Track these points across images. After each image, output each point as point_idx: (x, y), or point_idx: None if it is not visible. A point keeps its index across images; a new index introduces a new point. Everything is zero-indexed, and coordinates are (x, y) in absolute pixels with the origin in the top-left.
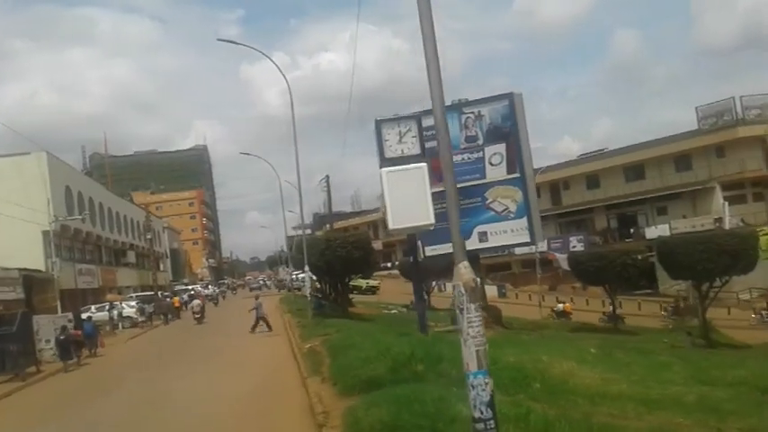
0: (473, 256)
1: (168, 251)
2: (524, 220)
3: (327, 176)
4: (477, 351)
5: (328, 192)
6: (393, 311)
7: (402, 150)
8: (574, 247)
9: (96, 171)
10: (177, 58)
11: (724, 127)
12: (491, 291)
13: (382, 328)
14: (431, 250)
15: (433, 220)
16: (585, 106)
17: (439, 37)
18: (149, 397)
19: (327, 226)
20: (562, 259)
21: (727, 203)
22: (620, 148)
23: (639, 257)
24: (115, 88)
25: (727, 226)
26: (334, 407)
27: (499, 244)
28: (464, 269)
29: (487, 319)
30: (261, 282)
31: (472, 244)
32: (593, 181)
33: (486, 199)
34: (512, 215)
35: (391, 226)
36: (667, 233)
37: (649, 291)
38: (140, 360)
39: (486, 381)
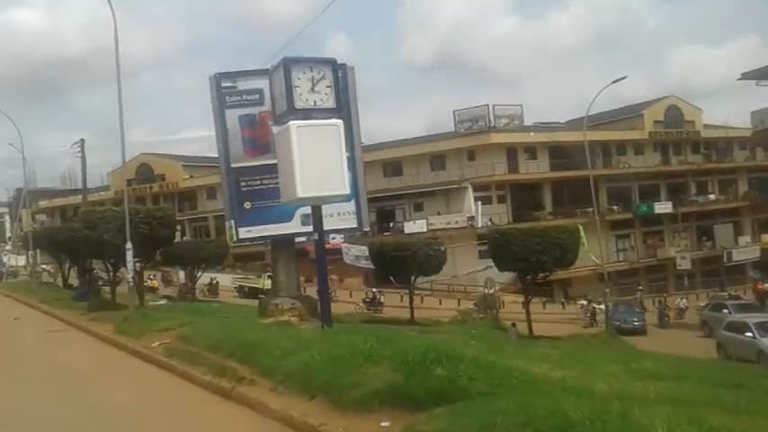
0: (287, 241)
1: None
2: (353, 203)
3: (83, 140)
4: None
5: (83, 158)
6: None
7: (314, 101)
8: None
9: None
10: None
11: (478, 132)
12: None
13: (252, 322)
14: (245, 232)
15: (348, 190)
16: None
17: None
18: None
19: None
20: (349, 249)
21: (480, 203)
22: (380, 143)
23: (443, 248)
24: None
25: (479, 224)
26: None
27: (324, 228)
28: None
29: (302, 311)
30: None
31: (293, 227)
32: None
33: None
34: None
35: (300, 194)
36: (424, 228)
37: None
38: None
39: None
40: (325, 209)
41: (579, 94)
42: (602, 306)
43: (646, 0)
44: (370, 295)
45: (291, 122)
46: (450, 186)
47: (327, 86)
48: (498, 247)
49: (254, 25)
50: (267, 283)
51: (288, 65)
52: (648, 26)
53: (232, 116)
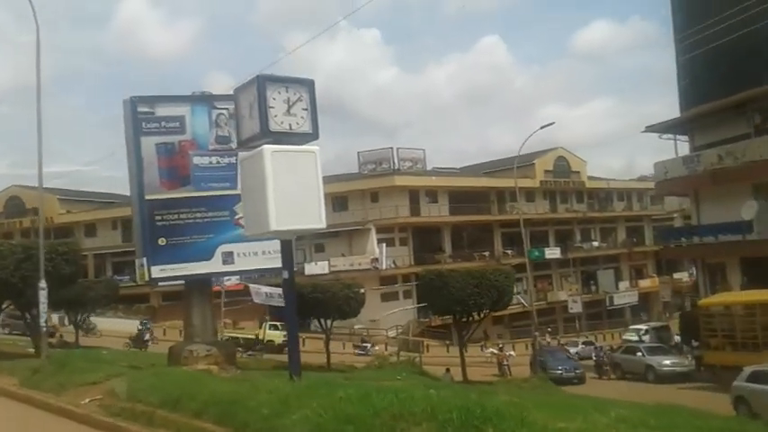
0: (203, 281)
1: None
2: (278, 242)
3: None
4: None
5: None
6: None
7: (290, 125)
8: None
9: None
10: None
11: (382, 174)
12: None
13: (190, 373)
14: (159, 271)
15: (324, 223)
16: None
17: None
18: None
19: None
20: (259, 288)
21: (384, 245)
22: None
23: (362, 290)
24: None
25: (383, 266)
26: None
27: (248, 268)
28: None
29: (218, 357)
30: None
31: (214, 266)
32: None
33: (236, 213)
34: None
35: (273, 227)
36: (326, 270)
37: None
38: None
39: None
40: (250, 246)
41: (455, 143)
42: (513, 353)
43: (515, 60)
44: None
45: (265, 147)
46: (354, 228)
47: (304, 109)
48: (434, 290)
49: (127, 58)
50: (275, 334)
51: (263, 83)
52: (516, 84)
53: (148, 144)
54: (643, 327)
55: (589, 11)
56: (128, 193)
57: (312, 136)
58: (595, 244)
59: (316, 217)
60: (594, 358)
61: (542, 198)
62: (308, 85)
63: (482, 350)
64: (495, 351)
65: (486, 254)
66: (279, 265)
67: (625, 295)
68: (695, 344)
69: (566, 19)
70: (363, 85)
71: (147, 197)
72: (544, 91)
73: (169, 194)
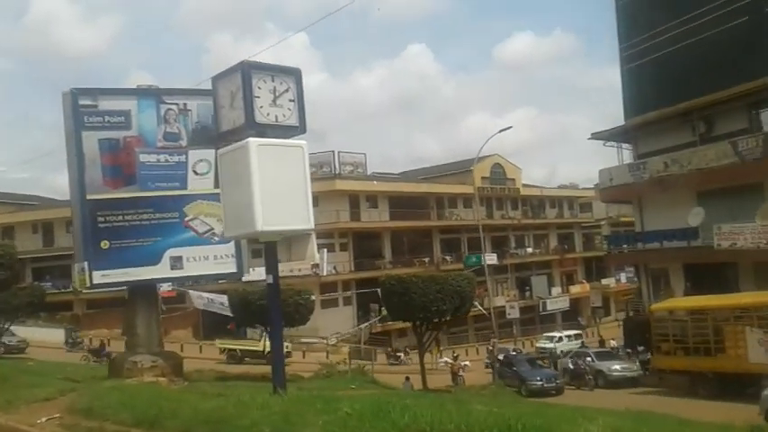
0: (148, 287)
1: None
2: (231, 245)
3: None
4: None
5: None
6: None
7: (276, 116)
8: None
9: None
10: None
11: (323, 178)
12: (56, 335)
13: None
14: (101, 276)
15: (312, 224)
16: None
17: None
18: None
19: None
20: (200, 295)
21: (325, 250)
22: None
23: (312, 297)
24: None
25: (324, 272)
26: None
27: (198, 273)
28: None
29: (165, 368)
30: None
31: (161, 271)
32: None
33: (186, 215)
34: (216, 238)
35: (260, 227)
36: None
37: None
38: None
39: None
40: (200, 250)
41: (383, 149)
42: (467, 363)
43: (442, 68)
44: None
45: (251, 140)
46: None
47: (291, 101)
48: (396, 295)
49: (42, 56)
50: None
51: (248, 70)
52: (443, 92)
53: (90, 139)
54: (557, 334)
55: (513, 22)
56: (49, 195)
57: (299, 129)
58: (529, 250)
59: (304, 217)
60: (572, 367)
61: (479, 204)
62: (296, 74)
63: (436, 359)
64: (450, 360)
65: (426, 260)
66: (232, 270)
67: (557, 301)
68: (640, 349)
69: (491, 29)
70: None
71: (89, 197)
72: (470, 99)
73: (113, 194)
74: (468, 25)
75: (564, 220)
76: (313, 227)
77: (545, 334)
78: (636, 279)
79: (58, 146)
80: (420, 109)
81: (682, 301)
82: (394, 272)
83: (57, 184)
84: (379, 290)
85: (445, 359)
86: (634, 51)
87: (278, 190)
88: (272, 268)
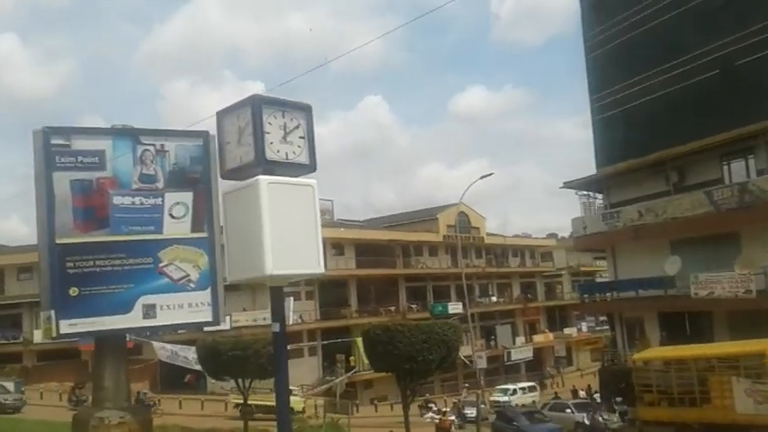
0: (117, 338)
1: None
2: (208, 292)
3: None
4: None
5: None
6: None
7: (286, 153)
8: None
9: None
10: None
11: None
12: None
13: None
14: (68, 326)
15: (323, 268)
16: None
17: None
18: None
19: None
20: (165, 346)
21: (291, 298)
22: None
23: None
24: None
25: (290, 321)
26: None
27: (172, 322)
28: None
29: (132, 425)
30: None
31: (133, 320)
32: None
33: (161, 261)
34: (192, 285)
35: (269, 270)
36: (228, 326)
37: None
38: None
39: None
40: (175, 298)
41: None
42: (454, 419)
43: (397, 119)
44: None
45: (261, 178)
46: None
47: (301, 137)
48: (380, 345)
49: None
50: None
51: (258, 104)
52: (400, 143)
53: (62, 180)
54: (510, 386)
55: (466, 77)
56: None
57: (309, 167)
58: (494, 299)
59: (314, 260)
60: (588, 422)
61: (444, 253)
62: (307, 111)
63: (421, 414)
64: (436, 416)
65: (392, 308)
66: (207, 318)
67: (522, 350)
68: (618, 399)
69: (445, 83)
70: None
71: (59, 241)
72: (425, 150)
73: (84, 238)
74: (422, 79)
75: (526, 269)
76: (324, 271)
77: (497, 387)
78: (596, 328)
79: (4, 190)
80: (376, 159)
81: (665, 351)
82: (360, 321)
83: (6, 228)
84: (345, 339)
85: (431, 414)
86: (605, 102)
87: (288, 231)
88: (278, 315)
